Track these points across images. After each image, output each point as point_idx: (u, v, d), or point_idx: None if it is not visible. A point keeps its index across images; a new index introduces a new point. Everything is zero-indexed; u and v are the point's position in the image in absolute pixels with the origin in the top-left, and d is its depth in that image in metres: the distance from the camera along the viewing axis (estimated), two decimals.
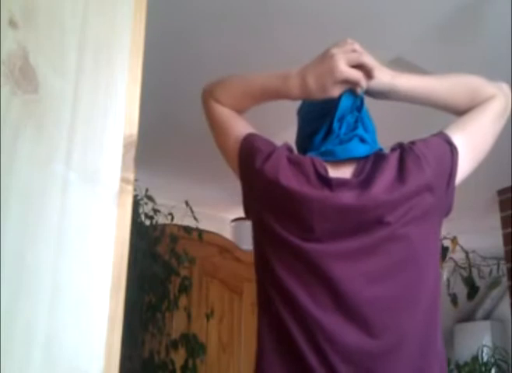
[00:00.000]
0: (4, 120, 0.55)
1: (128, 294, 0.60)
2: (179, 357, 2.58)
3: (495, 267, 4.10)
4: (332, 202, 1.04)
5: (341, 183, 1.07)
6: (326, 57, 1.14)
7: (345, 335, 0.98)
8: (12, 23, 0.57)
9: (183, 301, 2.74)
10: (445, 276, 3.77)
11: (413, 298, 1.02)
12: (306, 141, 1.21)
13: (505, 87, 1.23)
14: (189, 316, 2.75)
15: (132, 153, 0.64)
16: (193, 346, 2.59)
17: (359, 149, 1.12)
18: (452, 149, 1.11)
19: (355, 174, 1.09)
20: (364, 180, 1.06)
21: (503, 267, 3.59)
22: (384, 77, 1.16)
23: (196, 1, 1.84)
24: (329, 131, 1.16)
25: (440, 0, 1.82)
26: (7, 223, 0.53)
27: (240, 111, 1.26)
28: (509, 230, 3.25)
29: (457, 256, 3.87)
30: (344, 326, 0.99)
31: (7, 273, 0.52)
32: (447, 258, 3.67)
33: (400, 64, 2.13)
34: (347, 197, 1.04)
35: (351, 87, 1.14)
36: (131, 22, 0.67)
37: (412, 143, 1.12)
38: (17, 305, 0.52)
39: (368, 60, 1.14)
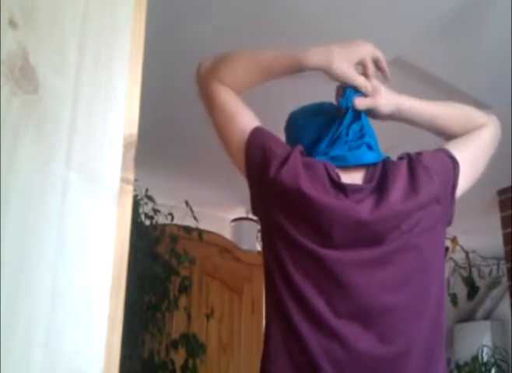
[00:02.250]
0: (4, 120, 0.55)
1: (128, 294, 0.60)
2: (179, 357, 2.58)
3: (495, 267, 4.10)
4: (353, 213, 1.05)
5: (356, 190, 1.08)
6: (353, 41, 1.18)
7: (359, 342, 0.99)
8: (12, 23, 0.57)
9: (183, 301, 2.74)
10: (445, 276, 3.78)
11: (422, 305, 1.04)
12: (309, 147, 1.20)
13: (494, 118, 1.28)
14: (189, 316, 2.75)
15: (132, 153, 0.64)
16: (193, 346, 2.59)
17: (368, 156, 1.14)
18: (454, 163, 1.14)
19: (366, 180, 1.11)
20: (377, 187, 1.08)
21: (503, 267, 3.59)
22: (393, 95, 1.20)
23: (196, 1, 1.84)
24: (335, 137, 1.17)
25: (440, 0, 1.82)
26: (7, 223, 0.53)
27: (242, 91, 1.20)
28: (509, 230, 3.25)
29: (457, 256, 3.87)
30: (358, 333, 1.00)
31: (7, 273, 0.52)
32: (447, 258, 3.67)
33: (400, 64, 2.13)
34: (366, 208, 1.05)
35: (359, 85, 1.16)
36: (131, 22, 0.67)
37: (419, 153, 1.14)
38: (17, 304, 0.52)
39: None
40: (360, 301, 1.01)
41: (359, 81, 1.16)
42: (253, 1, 1.84)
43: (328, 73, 1.16)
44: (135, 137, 0.65)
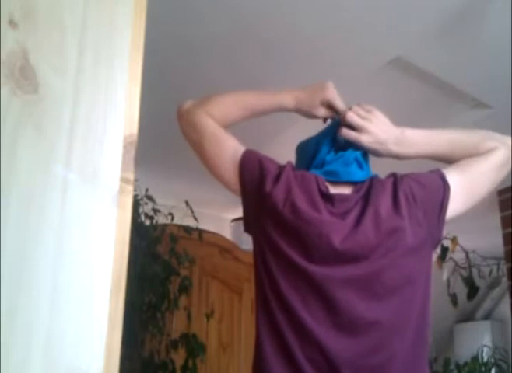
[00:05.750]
0: (4, 120, 0.55)
1: (128, 294, 0.60)
2: (179, 357, 2.58)
3: (495, 267, 4.10)
4: (340, 228, 1.09)
5: (342, 199, 1.14)
6: (319, 83, 1.28)
7: (342, 354, 1.03)
8: (12, 23, 0.57)
9: (183, 301, 2.74)
10: (445, 276, 3.77)
11: (404, 321, 1.08)
12: (309, 160, 1.28)
13: (508, 140, 1.27)
14: (189, 316, 2.74)
15: (132, 153, 0.64)
16: (193, 346, 2.59)
17: (358, 174, 1.21)
18: (445, 185, 1.16)
19: (353, 192, 1.17)
20: (364, 197, 1.13)
21: (503, 267, 3.59)
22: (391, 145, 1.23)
23: (196, 1, 1.84)
24: (329, 156, 1.24)
25: (440, 0, 1.82)
26: (7, 223, 0.53)
27: (227, 125, 1.28)
28: (509, 230, 3.25)
29: (457, 256, 3.87)
30: (342, 346, 1.04)
31: (7, 273, 0.52)
32: (447, 258, 3.67)
33: (400, 64, 2.13)
34: (352, 221, 1.10)
35: (332, 115, 1.28)
36: (131, 22, 0.67)
37: (406, 175, 1.18)
38: (17, 304, 0.52)
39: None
40: (345, 316, 1.05)
41: (325, 114, 1.29)
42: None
43: (300, 111, 1.30)
44: (135, 137, 0.65)
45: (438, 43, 2.03)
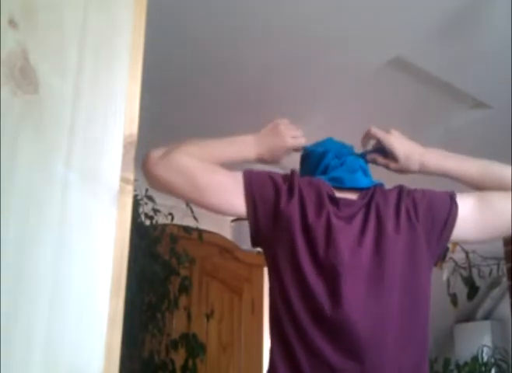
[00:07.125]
0: (4, 120, 0.55)
1: (128, 294, 0.60)
2: (179, 357, 2.58)
3: (495, 267, 4.09)
4: (347, 235, 1.11)
5: (348, 204, 1.16)
6: (273, 132, 1.27)
7: (352, 372, 1.05)
8: (12, 23, 0.58)
9: (183, 301, 2.74)
10: (445, 276, 3.77)
11: (409, 335, 1.10)
12: (316, 164, 1.30)
13: None
14: (189, 316, 2.74)
15: (132, 153, 0.64)
16: (193, 346, 2.59)
17: (363, 181, 1.23)
18: (452, 204, 1.16)
19: (359, 198, 1.19)
20: (368, 204, 1.15)
21: (503, 267, 3.59)
22: (416, 149, 1.27)
23: (196, 1, 1.84)
24: (334, 163, 1.27)
25: (440, 0, 1.82)
26: (7, 223, 0.53)
27: None
28: None
29: (457, 256, 3.86)
30: (350, 366, 1.05)
31: (7, 273, 0.52)
32: (447, 258, 3.66)
33: (400, 64, 2.13)
34: (357, 229, 1.12)
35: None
36: (131, 22, 0.67)
37: (415, 190, 1.19)
38: (17, 305, 0.52)
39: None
40: (351, 337, 1.06)
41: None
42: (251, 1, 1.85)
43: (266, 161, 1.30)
44: (135, 137, 0.65)
45: (438, 43, 2.03)
